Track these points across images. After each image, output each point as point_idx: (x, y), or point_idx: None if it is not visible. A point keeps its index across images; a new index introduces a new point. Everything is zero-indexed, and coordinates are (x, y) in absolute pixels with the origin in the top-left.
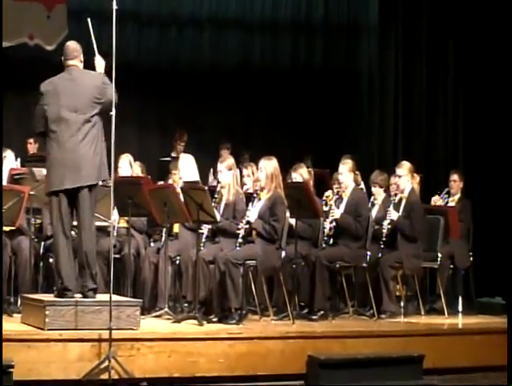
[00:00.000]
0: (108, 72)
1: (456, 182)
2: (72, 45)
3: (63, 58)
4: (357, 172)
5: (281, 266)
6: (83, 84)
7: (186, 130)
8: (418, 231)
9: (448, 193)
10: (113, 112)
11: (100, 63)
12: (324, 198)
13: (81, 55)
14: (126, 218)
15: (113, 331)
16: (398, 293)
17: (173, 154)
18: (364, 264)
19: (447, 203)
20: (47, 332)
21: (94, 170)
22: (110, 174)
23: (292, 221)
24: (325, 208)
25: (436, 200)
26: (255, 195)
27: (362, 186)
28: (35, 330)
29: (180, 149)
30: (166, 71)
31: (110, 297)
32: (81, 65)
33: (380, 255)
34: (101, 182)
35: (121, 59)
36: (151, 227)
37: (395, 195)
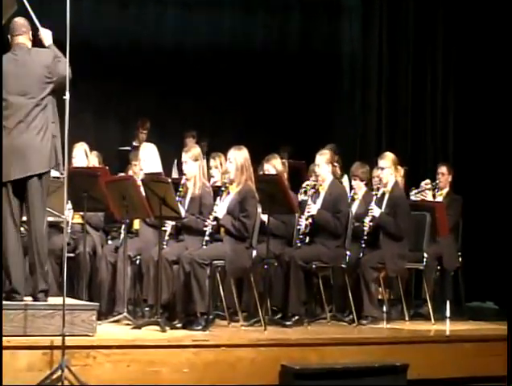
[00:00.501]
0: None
1: (444, 175)
2: (20, 20)
3: (9, 35)
4: (336, 164)
5: (252, 267)
6: (31, 64)
7: (147, 117)
8: (402, 228)
9: (436, 187)
10: (67, 96)
11: (46, 34)
12: (304, 186)
13: (30, 32)
14: (81, 213)
15: (66, 338)
16: (380, 297)
17: (135, 143)
18: (343, 265)
19: (434, 194)
20: None
21: (44, 157)
22: (64, 165)
23: (264, 217)
24: (304, 197)
25: (427, 184)
26: (224, 189)
27: (346, 179)
28: None
29: (143, 137)
30: (125, 52)
31: (64, 301)
32: (30, 43)
33: (361, 255)
34: (58, 173)
35: (75, 38)
36: (109, 224)
37: (377, 189)
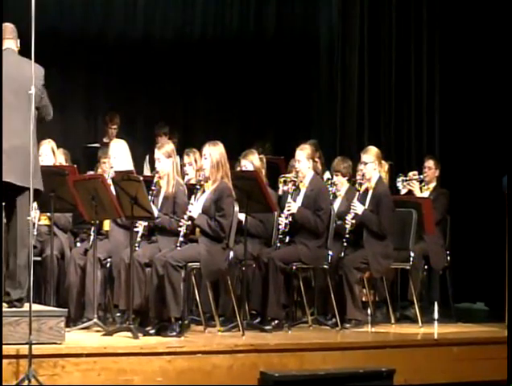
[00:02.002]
0: (25, 43)
1: (431, 169)
2: (11, 25)
3: None
4: (317, 159)
5: (228, 269)
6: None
7: (117, 112)
8: (387, 226)
9: (422, 181)
10: (32, 91)
11: None
12: (283, 177)
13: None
14: (48, 214)
15: (33, 346)
16: (364, 299)
17: (105, 140)
18: (325, 266)
19: (421, 187)
20: None
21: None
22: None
23: (242, 216)
24: (284, 187)
25: (414, 175)
26: (198, 187)
27: (327, 175)
28: None
29: (113, 133)
30: (92, 42)
31: (30, 307)
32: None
33: (343, 254)
34: None
35: (40, 27)
36: (77, 225)
37: (360, 185)
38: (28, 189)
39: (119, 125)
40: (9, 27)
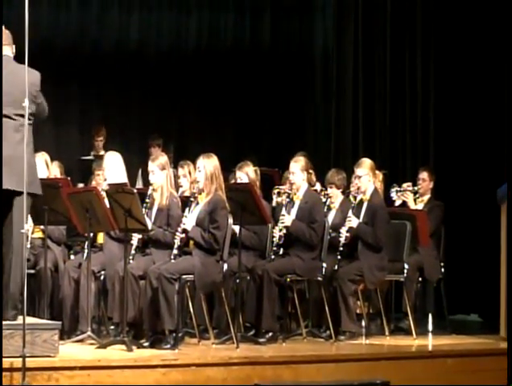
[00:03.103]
0: (19, 55)
1: (425, 181)
2: (6, 30)
3: None
4: (311, 171)
5: (223, 281)
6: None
7: (110, 124)
8: (381, 238)
9: (416, 192)
10: (26, 103)
11: None
12: (277, 189)
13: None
14: (42, 227)
15: (27, 359)
16: (358, 311)
17: (92, 153)
18: (319, 278)
19: (415, 199)
20: None
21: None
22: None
23: (236, 228)
24: (278, 199)
25: (409, 186)
26: (192, 199)
27: (318, 187)
28: None
29: (99, 145)
30: (87, 54)
31: (24, 320)
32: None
33: (337, 267)
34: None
35: (34, 40)
36: (71, 238)
37: (355, 197)
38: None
39: (105, 136)
40: (4, 33)
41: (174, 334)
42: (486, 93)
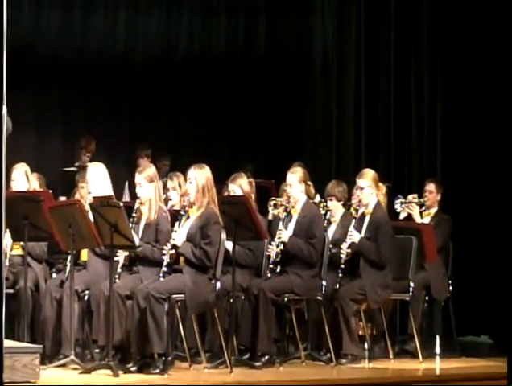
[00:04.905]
0: None
1: (432, 193)
2: None
3: None
4: (310, 182)
5: (215, 301)
6: None
7: (95, 134)
8: (385, 255)
9: (423, 205)
10: (5, 111)
11: None
12: (273, 201)
13: None
14: (22, 243)
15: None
16: (361, 333)
17: (76, 164)
18: (319, 297)
19: (421, 212)
20: None
21: None
22: (1, 189)
23: (229, 245)
24: (275, 212)
25: (414, 198)
26: (183, 213)
27: (317, 199)
28: None
29: (86, 160)
30: (70, 60)
31: (2, 343)
32: None
33: (338, 285)
34: None
35: (14, 45)
36: (53, 255)
37: (356, 211)
38: None
39: (93, 153)
40: None
41: (163, 358)
42: (496, 99)
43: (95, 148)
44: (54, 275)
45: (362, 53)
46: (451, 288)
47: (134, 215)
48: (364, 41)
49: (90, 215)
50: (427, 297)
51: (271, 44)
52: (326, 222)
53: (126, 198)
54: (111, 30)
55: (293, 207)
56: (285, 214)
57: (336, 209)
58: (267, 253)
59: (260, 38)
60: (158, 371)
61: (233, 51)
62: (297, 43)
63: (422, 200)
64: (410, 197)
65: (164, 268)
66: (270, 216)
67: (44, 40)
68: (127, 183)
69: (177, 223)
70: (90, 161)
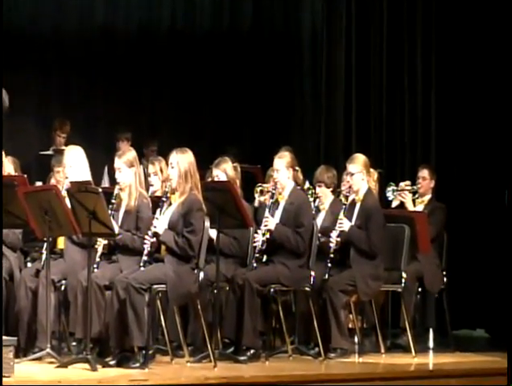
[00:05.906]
0: None
1: (425, 179)
2: None
3: None
4: (298, 168)
5: (198, 292)
6: None
7: (73, 115)
8: (376, 244)
9: (416, 192)
10: None
11: None
12: (260, 187)
13: None
14: None
15: None
16: (351, 326)
17: (52, 148)
18: (307, 288)
19: (414, 200)
20: None
21: None
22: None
23: (213, 233)
24: (261, 198)
25: (407, 185)
26: (164, 199)
27: (307, 185)
28: None
29: (61, 141)
30: (45, 37)
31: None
32: None
33: (327, 276)
34: None
35: None
36: (28, 243)
37: (346, 197)
38: None
39: (69, 134)
40: None
41: (143, 352)
42: (492, 85)
43: (70, 130)
44: (29, 264)
45: (353, 32)
46: (445, 279)
47: (113, 201)
48: (355, 19)
49: (67, 201)
50: (420, 289)
51: (257, 21)
52: (315, 209)
53: (105, 183)
54: (88, 5)
55: (280, 194)
56: (271, 201)
57: (325, 196)
58: (253, 242)
59: (246, 14)
60: (138, 365)
61: (217, 27)
62: (285, 18)
63: (415, 187)
64: (402, 184)
65: (145, 258)
66: (255, 203)
67: (17, 15)
68: (106, 168)
69: (158, 211)
70: (66, 144)
